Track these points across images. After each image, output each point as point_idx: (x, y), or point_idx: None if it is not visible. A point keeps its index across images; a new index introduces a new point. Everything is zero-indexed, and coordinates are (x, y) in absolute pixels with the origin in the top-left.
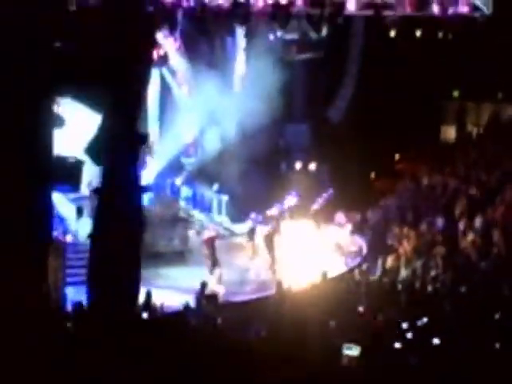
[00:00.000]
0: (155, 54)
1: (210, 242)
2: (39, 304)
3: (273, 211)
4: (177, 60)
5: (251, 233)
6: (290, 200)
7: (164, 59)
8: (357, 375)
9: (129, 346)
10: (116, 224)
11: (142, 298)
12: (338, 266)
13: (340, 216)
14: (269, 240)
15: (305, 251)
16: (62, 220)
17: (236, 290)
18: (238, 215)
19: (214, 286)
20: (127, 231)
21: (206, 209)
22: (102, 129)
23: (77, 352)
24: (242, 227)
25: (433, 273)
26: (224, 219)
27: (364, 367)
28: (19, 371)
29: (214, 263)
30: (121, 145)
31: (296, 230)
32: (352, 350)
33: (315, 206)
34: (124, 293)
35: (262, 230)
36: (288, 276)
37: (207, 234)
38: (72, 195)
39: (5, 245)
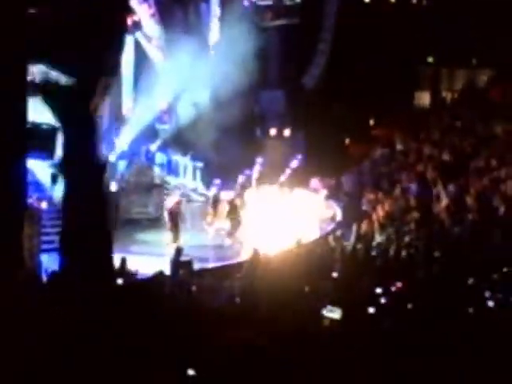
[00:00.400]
0: (129, 21)
1: (175, 209)
2: (14, 273)
3: (239, 179)
4: (151, 26)
5: (214, 199)
6: (257, 168)
7: (138, 26)
8: (337, 338)
9: (104, 313)
10: (75, 195)
11: (116, 265)
12: (312, 232)
13: (315, 182)
14: (232, 206)
15: (277, 217)
16: (36, 186)
17: (198, 256)
18: (212, 182)
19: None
20: (88, 204)
21: (180, 175)
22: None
23: (52, 321)
24: (208, 193)
25: (407, 238)
26: (198, 185)
27: (343, 331)
28: None
29: (177, 229)
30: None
31: (267, 197)
32: (334, 313)
33: (286, 173)
34: (93, 263)
35: (225, 196)
36: (257, 242)
37: (171, 201)
38: (47, 161)
39: None
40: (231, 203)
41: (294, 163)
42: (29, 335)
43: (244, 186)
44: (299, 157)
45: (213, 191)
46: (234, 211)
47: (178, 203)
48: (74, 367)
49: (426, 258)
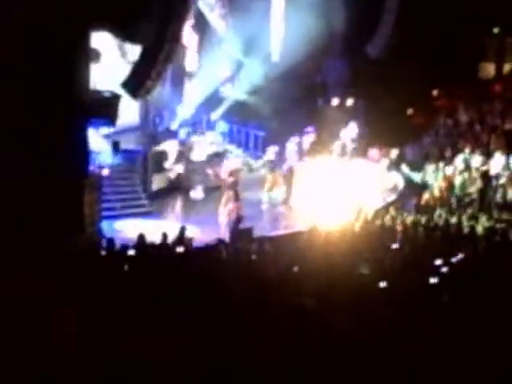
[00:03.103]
0: None
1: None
2: (76, 236)
3: (290, 146)
4: None
5: (270, 165)
6: (309, 136)
7: None
8: (396, 308)
9: (165, 281)
10: None
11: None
12: (373, 202)
13: (374, 152)
14: (288, 174)
15: (337, 187)
16: (98, 154)
17: (253, 225)
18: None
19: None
20: None
21: (243, 144)
22: (140, 62)
23: (112, 287)
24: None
25: (469, 210)
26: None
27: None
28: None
29: (236, 198)
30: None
31: (326, 166)
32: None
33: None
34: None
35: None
36: (316, 213)
37: (229, 167)
38: (109, 129)
39: (42, 179)
40: (288, 170)
41: (356, 132)
42: (92, 299)
43: (300, 154)
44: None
45: (270, 157)
46: (290, 179)
47: (237, 171)
48: (139, 332)
49: (488, 229)
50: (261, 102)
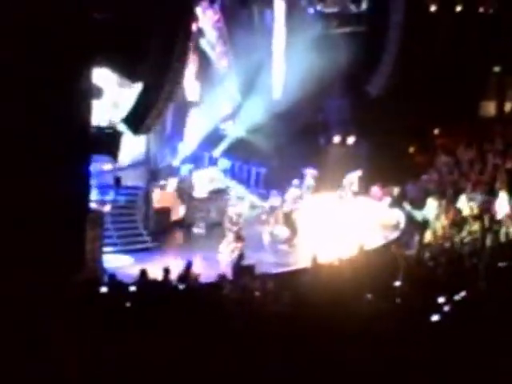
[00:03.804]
0: (194, 27)
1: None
2: (77, 272)
3: (292, 190)
4: (215, 33)
5: (272, 209)
6: (310, 176)
7: (202, 32)
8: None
9: (165, 317)
10: None
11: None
12: (375, 240)
13: (376, 189)
14: (288, 215)
15: (339, 224)
16: (100, 190)
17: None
18: (275, 188)
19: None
20: None
21: (244, 181)
22: (141, 99)
23: (113, 322)
24: (267, 203)
25: (471, 247)
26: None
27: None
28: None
29: (238, 238)
30: None
31: (328, 204)
32: None
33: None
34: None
35: (283, 207)
36: (317, 250)
37: (233, 212)
38: (110, 165)
39: (44, 215)
40: (288, 213)
41: (358, 172)
42: (90, 336)
43: (298, 196)
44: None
45: (271, 202)
46: (290, 220)
47: (239, 215)
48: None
49: (490, 267)
50: (262, 139)
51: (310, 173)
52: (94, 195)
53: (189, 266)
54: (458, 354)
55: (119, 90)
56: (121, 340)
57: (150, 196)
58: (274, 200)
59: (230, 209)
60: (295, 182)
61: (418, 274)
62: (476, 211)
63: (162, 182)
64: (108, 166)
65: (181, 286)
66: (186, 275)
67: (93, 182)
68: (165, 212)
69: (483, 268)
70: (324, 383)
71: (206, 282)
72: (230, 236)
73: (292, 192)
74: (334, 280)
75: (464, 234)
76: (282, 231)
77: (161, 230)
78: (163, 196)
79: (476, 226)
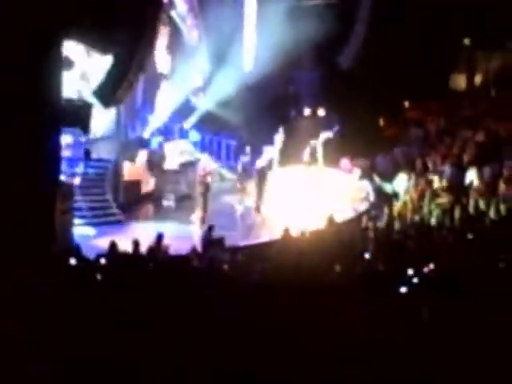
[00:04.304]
0: None
1: (204, 178)
2: (48, 245)
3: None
4: (186, 5)
5: (242, 174)
6: (278, 144)
7: (173, 3)
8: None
9: (134, 290)
10: None
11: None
12: (344, 212)
13: (345, 162)
14: (260, 176)
15: (309, 196)
16: (69, 162)
17: (228, 233)
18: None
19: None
20: None
21: (215, 153)
22: (111, 71)
23: (85, 296)
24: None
25: (440, 220)
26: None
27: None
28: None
29: (205, 204)
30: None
31: (297, 175)
32: None
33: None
34: None
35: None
36: (287, 221)
37: (203, 168)
38: (80, 137)
39: (13, 187)
40: (259, 172)
41: (333, 132)
42: (61, 311)
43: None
44: (337, 127)
45: (241, 162)
46: (261, 183)
47: (208, 173)
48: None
49: (460, 240)
50: (232, 111)
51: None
52: (63, 168)
53: (160, 238)
54: (424, 327)
55: (88, 61)
56: (92, 313)
57: (120, 168)
58: (245, 161)
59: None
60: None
61: (387, 246)
62: (444, 184)
63: (132, 154)
64: (77, 139)
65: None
66: (157, 247)
67: (63, 154)
68: (134, 184)
69: (452, 240)
70: (292, 357)
71: (174, 255)
72: (199, 201)
73: (265, 152)
74: (303, 252)
75: (433, 206)
76: (251, 201)
77: (131, 202)
78: (133, 169)
79: (445, 199)
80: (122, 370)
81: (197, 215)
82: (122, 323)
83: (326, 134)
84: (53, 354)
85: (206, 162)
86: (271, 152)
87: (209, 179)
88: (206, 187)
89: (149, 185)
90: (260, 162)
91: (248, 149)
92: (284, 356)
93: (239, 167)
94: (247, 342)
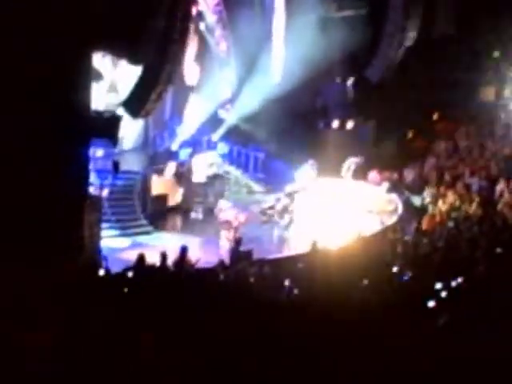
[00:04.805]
0: (194, 10)
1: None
2: (76, 257)
3: (293, 186)
4: (215, 16)
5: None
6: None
7: (202, 15)
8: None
9: (162, 303)
10: None
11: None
12: (373, 225)
13: (373, 174)
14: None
15: (337, 210)
16: (98, 174)
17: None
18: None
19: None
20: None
21: (242, 166)
22: (140, 83)
23: (110, 307)
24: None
25: (468, 234)
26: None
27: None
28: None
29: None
30: None
31: (327, 189)
32: None
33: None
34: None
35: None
36: (316, 235)
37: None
38: (109, 149)
39: (42, 198)
40: (289, 195)
41: (356, 158)
42: (89, 320)
43: (299, 185)
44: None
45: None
46: (289, 205)
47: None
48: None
49: (488, 254)
50: (261, 124)
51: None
52: (92, 180)
53: (184, 251)
54: (453, 341)
55: (115, 72)
56: (119, 325)
57: (148, 180)
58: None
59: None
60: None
61: (415, 260)
62: (473, 196)
63: (160, 167)
64: (107, 151)
65: (175, 272)
66: (181, 260)
67: (91, 166)
68: (162, 196)
69: (481, 254)
70: (319, 371)
71: (202, 268)
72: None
73: (290, 186)
74: (331, 266)
75: (461, 219)
76: (282, 217)
77: (158, 214)
78: (161, 181)
79: (472, 212)
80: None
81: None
82: (147, 336)
83: (354, 160)
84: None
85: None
86: (303, 182)
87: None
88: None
89: (176, 197)
90: (290, 188)
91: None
92: (310, 371)
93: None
94: (273, 355)
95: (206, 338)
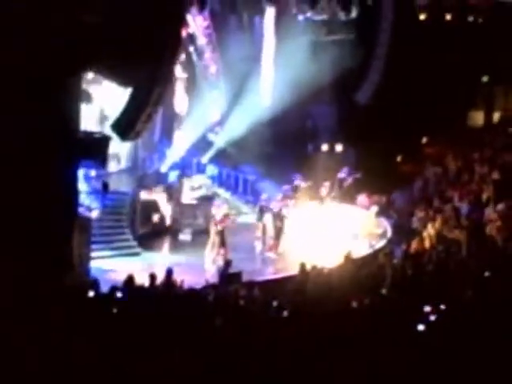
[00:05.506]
0: (184, 33)
1: (222, 222)
2: (64, 278)
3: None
4: (205, 39)
5: (260, 213)
6: (297, 183)
7: (192, 38)
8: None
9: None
10: None
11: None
12: (361, 248)
13: (362, 198)
14: (278, 219)
15: (326, 232)
16: (88, 195)
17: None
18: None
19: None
20: None
21: (232, 188)
22: (130, 104)
23: (98, 325)
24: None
25: (457, 257)
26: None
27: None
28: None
29: (222, 243)
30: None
31: (315, 212)
32: None
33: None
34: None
35: (271, 210)
36: (305, 257)
37: (219, 213)
38: (98, 171)
39: (31, 220)
40: (278, 216)
41: (351, 179)
42: (75, 338)
43: (288, 198)
44: (356, 174)
45: (260, 204)
46: (279, 225)
47: (226, 216)
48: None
49: (477, 277)
50: (250, 146)
51: (297, 180)
52: (81, 200)
53: (169, 273)
54: (443, 364)
55: (105, 94)
56: (107, 346)
57: (137, 201)
58: (264, 202)
59: (216, 210)
60: (285, 187)
61: (404, 283)
62: (461, 220)
63: (148, 188)
64: (96, 172)
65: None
66: (167, 282)
67: (85, 187)
68: (152, 218)
69: (470, 277)
70: None
71: (189, 289)
72: (215, 239)
73: (281, 196)
74: (321, 288)
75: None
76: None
77: (148, 235)
78: (150, 202)
79: (461, 236)
80: None
81: (211, 251)
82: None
83: (342, 176)
84: None
85: (223, 208)
86: (289, 200)
87: (225, 223)
88: (223, 230)
89: (166, 218)
90: (277, 205)
91: (265, 195)
92: None
93: (258, 207)
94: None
95: (194, 359)
